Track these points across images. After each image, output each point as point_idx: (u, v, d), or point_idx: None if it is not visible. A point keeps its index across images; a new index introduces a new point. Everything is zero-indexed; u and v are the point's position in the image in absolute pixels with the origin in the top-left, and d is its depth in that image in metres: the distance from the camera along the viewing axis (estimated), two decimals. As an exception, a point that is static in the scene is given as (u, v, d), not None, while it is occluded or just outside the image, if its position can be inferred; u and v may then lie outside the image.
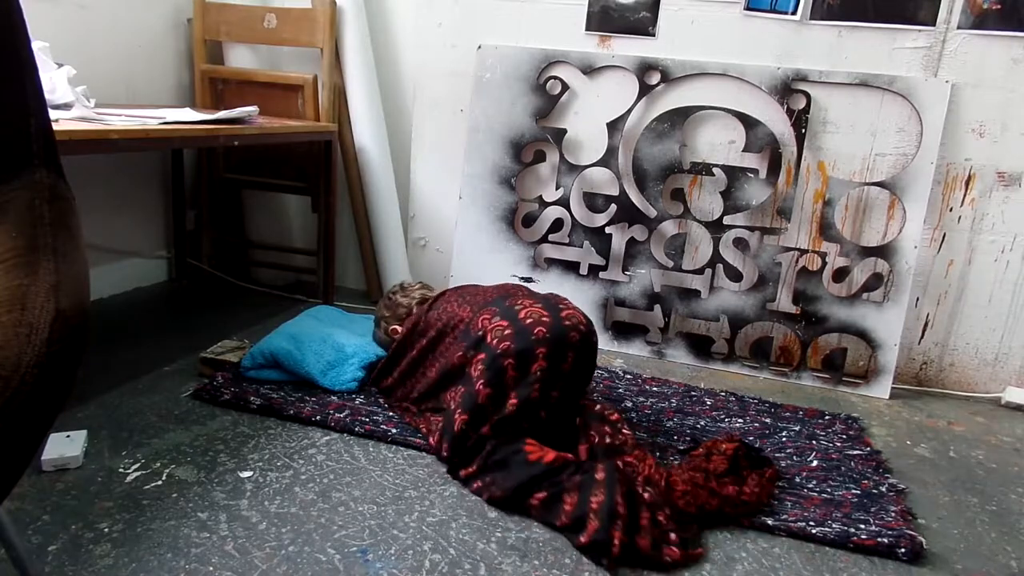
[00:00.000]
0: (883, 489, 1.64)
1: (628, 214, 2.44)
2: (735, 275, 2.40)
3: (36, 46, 1.07)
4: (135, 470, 1.47)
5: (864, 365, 2.37)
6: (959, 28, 2.17)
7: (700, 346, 2.45)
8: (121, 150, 2.10)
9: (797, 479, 1.66)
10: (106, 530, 1.28)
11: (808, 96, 2.27)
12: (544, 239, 2.54)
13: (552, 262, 2.55)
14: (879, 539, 1.43)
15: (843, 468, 1.73)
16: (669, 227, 2.43)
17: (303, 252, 2.81)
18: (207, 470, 1.50)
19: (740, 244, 2.38)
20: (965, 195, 2.28)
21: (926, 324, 2.40)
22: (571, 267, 2.53)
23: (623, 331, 2.50)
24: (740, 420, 1.98)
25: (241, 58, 2.72)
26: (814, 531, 1.44)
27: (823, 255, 2.33)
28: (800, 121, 2.29)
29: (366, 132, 2.63)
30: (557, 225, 2.52)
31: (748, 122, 2.33)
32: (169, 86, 2.67)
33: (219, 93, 2.63)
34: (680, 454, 1.73)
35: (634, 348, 2.49)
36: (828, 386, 2.35)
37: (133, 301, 2.57)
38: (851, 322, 2.33)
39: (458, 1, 2.52)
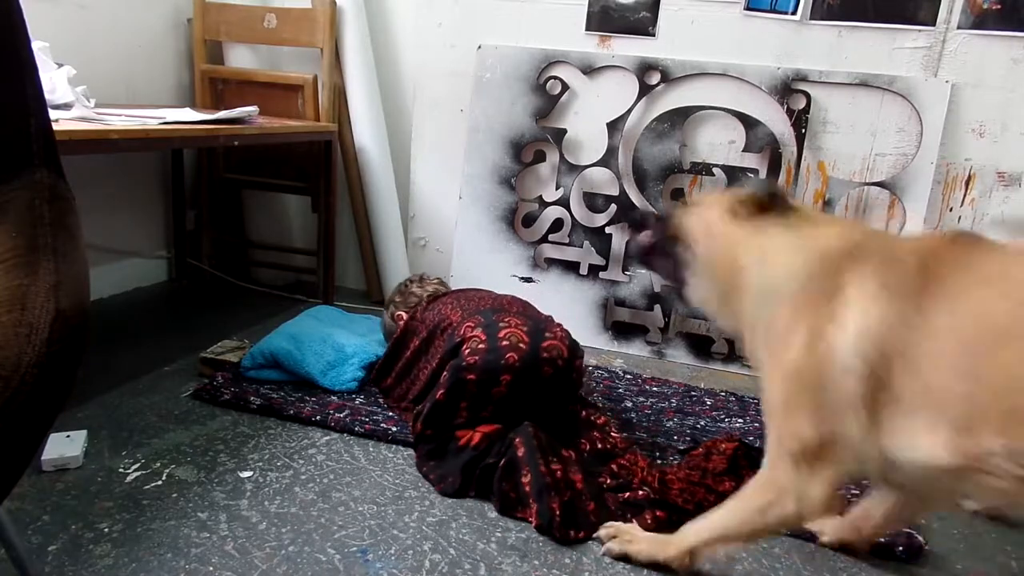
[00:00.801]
0: (883, 489, 1.64)
1: (628, 214, 2.44)
2: (735, 275, 2.40)
3: (36, 46, 1.07)
4: (135, 470, 1.47)
5: (864, 365, 2.36)
6: (959, 28, 2.17)
7: (700, 346, 2.45)
8: (121, 150, 2.10)
9: (797, 479, 1.65)
10: (106, 530, 1.28)
11: (808, 96, 2.27)
12: (544, 239, 2.54)
13: (552, 262, 2.55)
14: (879, 539, 1.42)
15: (843, 468, 1.73)
16: (669, 227, 2.43)
17: (303, 252, 2.81)
18: (207, 470, 1.50)
19: (740, 244, 2.37)
20: (965, 195, 2.28)
21: (926, 324, 2.39)
22: (571, 267, 2.52)
23: (623, 331, 2.50)
24: (740, 420, 1.98)
25: (241, 58, 2.71)
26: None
27: (823, 255, 2.33)
28: (800, 121, 2.29)
29: (366, 132, 2.63)
30: (557, 225, 2.52)
31: (748, 122, 2.32)
32: (169, 86, 2.67)
33: (219, 93, 2.63)
34: (680, 454, 1.73)
35: (634, 348, 2.49)
36: (828, 386, 2.35)
37: (133, 301, 2.57)
38: (851, 322, 2.33)
39: (458, 1, 2.52)
